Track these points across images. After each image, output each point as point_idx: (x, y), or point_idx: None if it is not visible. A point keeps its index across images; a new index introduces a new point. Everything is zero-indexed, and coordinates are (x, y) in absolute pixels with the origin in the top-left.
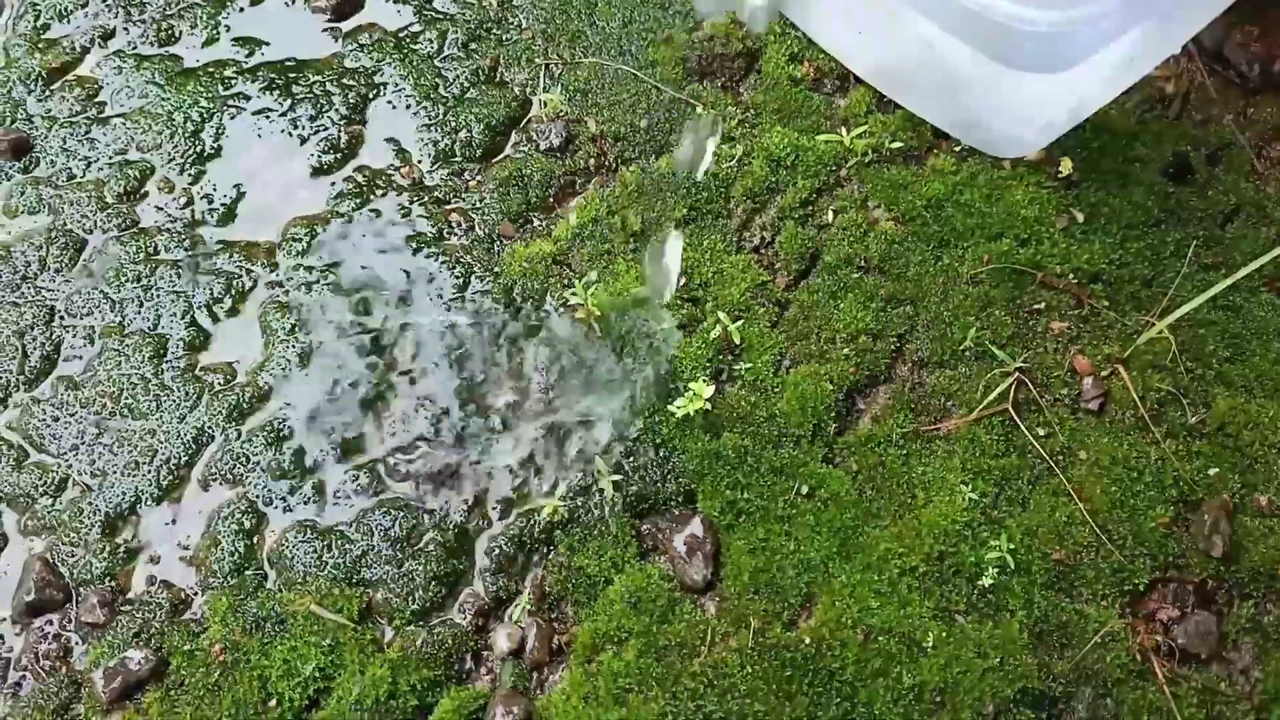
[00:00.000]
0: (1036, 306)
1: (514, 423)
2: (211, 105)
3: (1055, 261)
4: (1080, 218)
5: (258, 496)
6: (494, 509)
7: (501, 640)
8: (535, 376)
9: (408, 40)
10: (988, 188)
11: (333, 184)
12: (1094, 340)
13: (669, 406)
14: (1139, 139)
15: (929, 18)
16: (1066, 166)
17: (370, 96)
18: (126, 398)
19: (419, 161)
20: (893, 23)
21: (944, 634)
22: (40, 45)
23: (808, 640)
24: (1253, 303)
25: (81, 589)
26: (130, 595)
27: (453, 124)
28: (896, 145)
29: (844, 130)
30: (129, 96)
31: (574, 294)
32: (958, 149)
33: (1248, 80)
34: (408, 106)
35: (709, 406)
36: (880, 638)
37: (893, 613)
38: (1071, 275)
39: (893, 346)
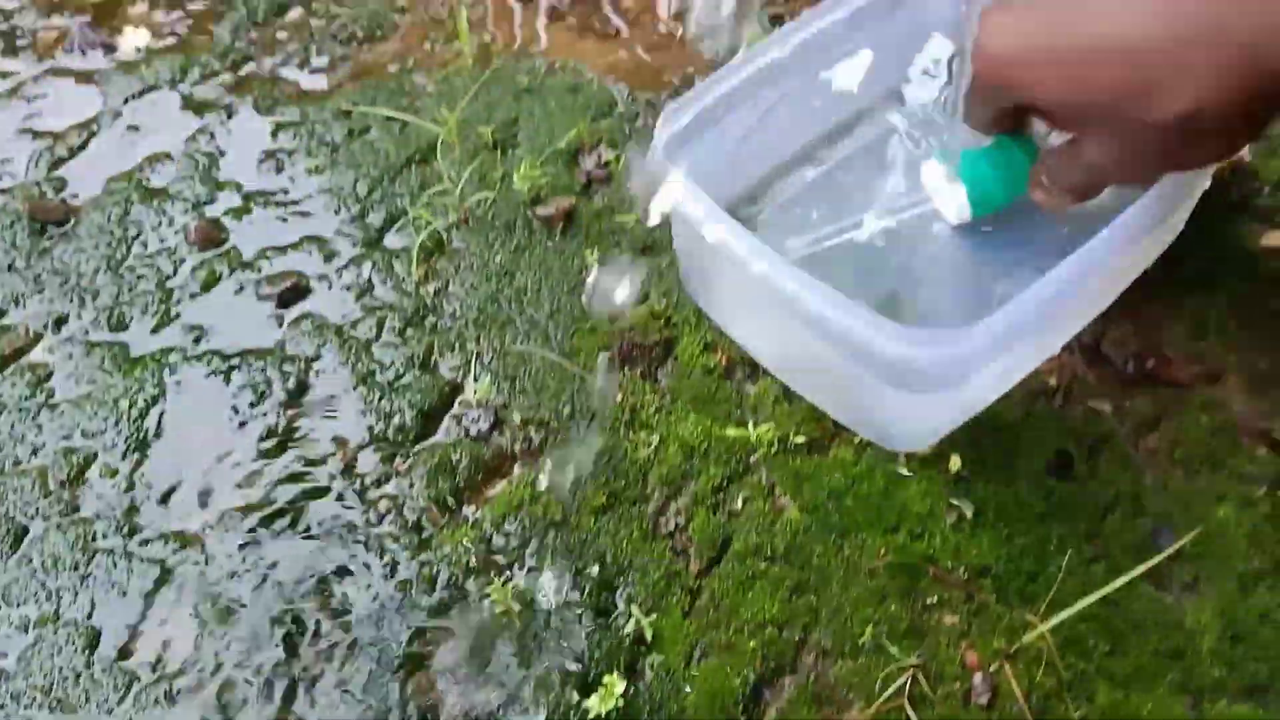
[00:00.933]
0: (930, 600)
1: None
2: (157, 391)
3: (947, 556)
4: (969, 513)
5: None
6: None
7: None
8: (447, 671)
9: (348, 327)
10: (884, 480)
11: (269, 469)
12: (983, 634)
13: (583, 704)
14: (1024, 432)
15: (813, 336)
16: (955, 464)
17: (309, 382)
18: (57, 691)
19: (353, 446)
20: (785, 330)
21: None
22: None
23: None
24: (1130, 596)
25: None
26: None
27: (386, 409)
28: (800, 439)
29: (751, 423)
30: (77, 383)
31: (494, 589)
32: (856, 441)
33: (1123, 374)
34: (345, 392)
35: (622, 703)
36: None
37: None
38: (962, 570)
39: (798, 637)
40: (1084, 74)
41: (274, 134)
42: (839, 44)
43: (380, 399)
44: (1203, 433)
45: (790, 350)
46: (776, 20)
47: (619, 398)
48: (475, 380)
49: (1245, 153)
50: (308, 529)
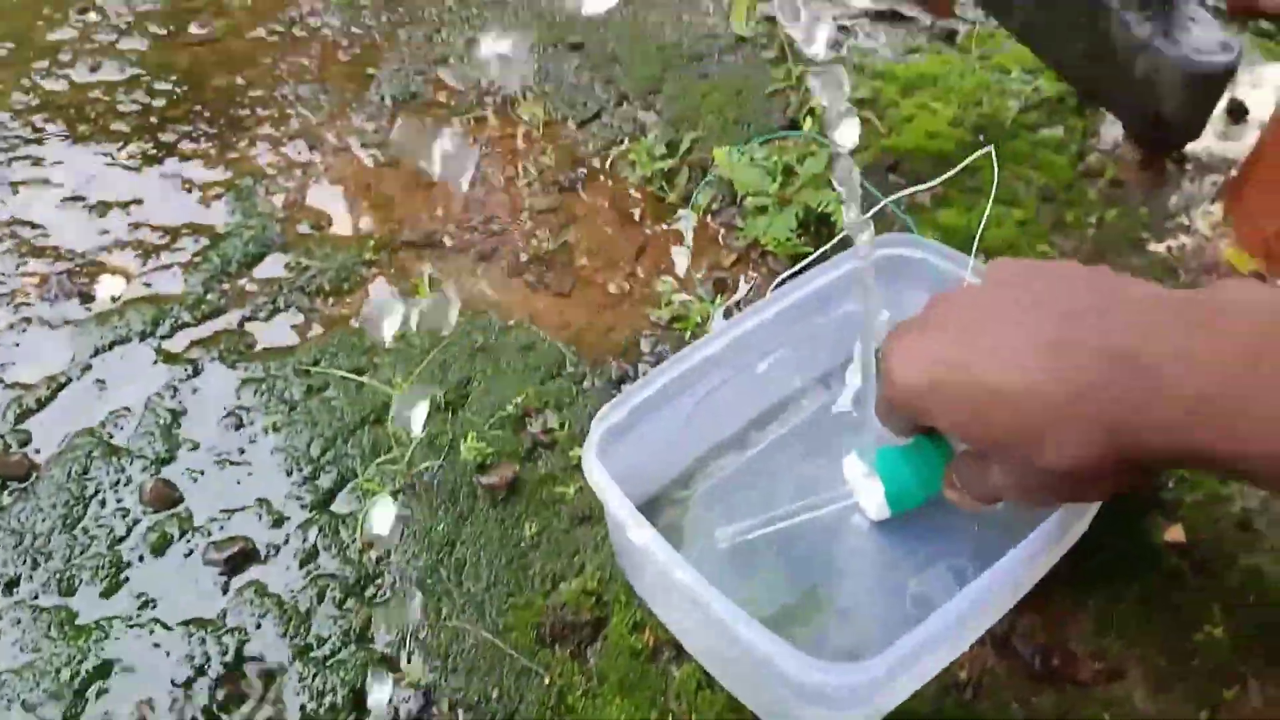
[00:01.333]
0: None
1: None
2: (98, 662)
3: None
4: None
5: None
6: None
7: None
8: None
9: (289, 597)
10: None
11: None
12: None
13: None
14: None
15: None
16: None
17: (246, 655)
18: None
19: None
20: (705, 629)
21: None
22: None
23: None
24: None
25: None
26: None
27: (320, 687)
28: None
29: (671, 717)
30: (22, 650)
31: None
32: None
33: (1032, 669)
34: (281, 667)
35: None
36: None
37: None
38: None
39: None
40: (980, 414)
41: (237, 390)
42: (769, 339)
43: (315, 676)
44: None
45: (711, 646)
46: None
47: (547, 680)
48: (409, 658)
49: None
50: None
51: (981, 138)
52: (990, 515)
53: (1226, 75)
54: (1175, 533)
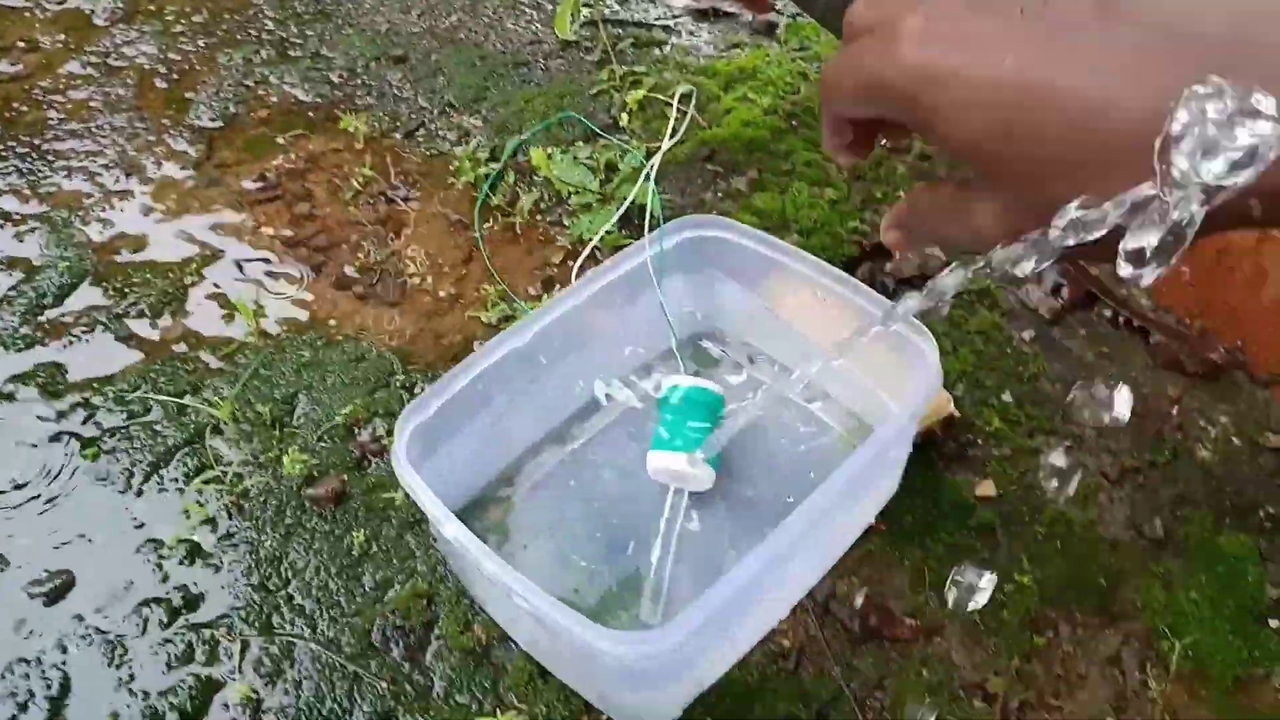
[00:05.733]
0: None
1: None
2: None
3: None
4: None
5: None
6: None
7: None
8: None
9: (112, 624)
10: None
11: None
12: None
13: None
14: (759, 699)
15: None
16: None
17: (72, 687)
18: None
19: None
20: (527, 620)
21: None
22: None
23: None
24: None
25: None
26: None
27: (149, 713)
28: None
29: (499, 711)
30: None
31: None
32: (604, 718)
33: (851, 632)
34: (107, 697)
35: None
36: None
37: None
38: None
39: None
40: (1023, 126)
41: (58, 418)
42: (579, 330)
43: (144, 701)
44: (924, 689)
45: (532, 634)
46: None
47: (380, 685)
48: (238, 675)
49: (954, 409)
50: None
51: (794, 124)
52: (802, 484)
53: None
54: (986, 487)
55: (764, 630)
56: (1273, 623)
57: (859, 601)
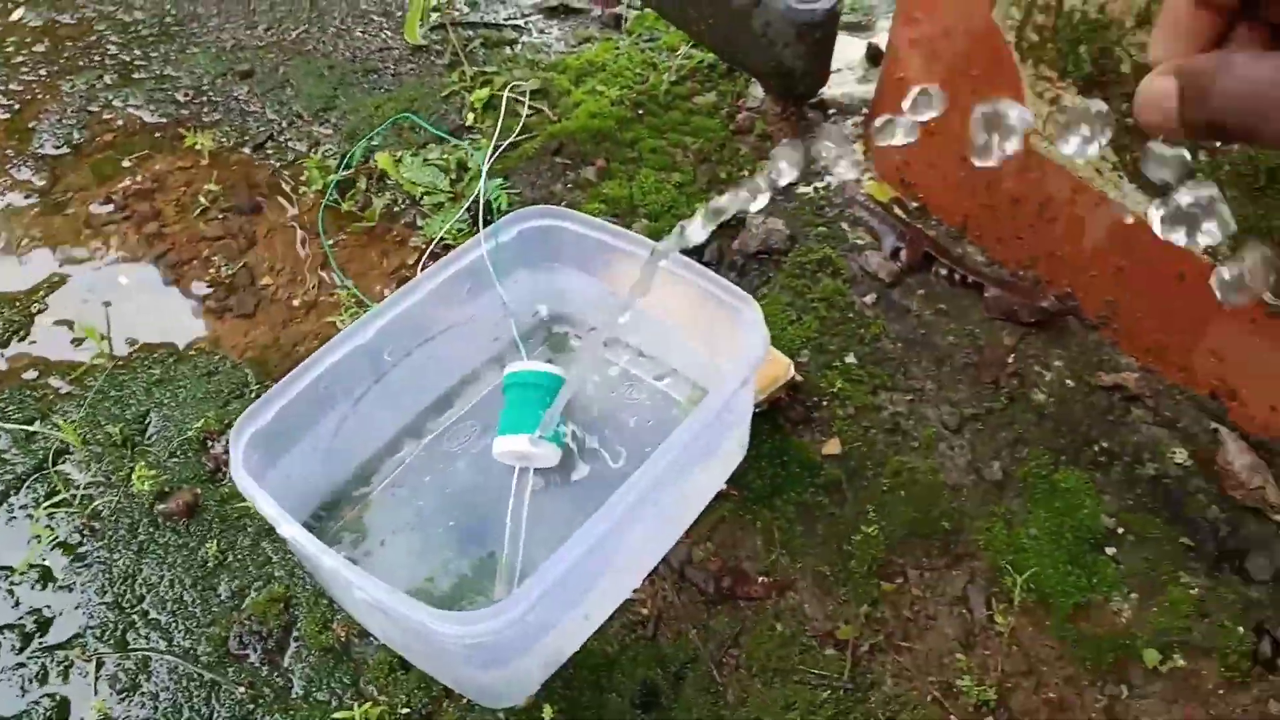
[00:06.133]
0: None
1: None
2: None
3: None
4: None
5: None
6: None
7: None
8: None
9: None
10: None
11: None
12: None
13: None
14: (618, 667)
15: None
16: (548, 713)
17: None
18: None
19: None
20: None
21: None
22: None
23: None
24: None
25: None
26: None
27: None
28: (406, 710)
29: (358, 705)
30: None
31: None
32: (464, 702)
33: (707, 594)
34: None
35: None
36: None
37: None
38: None
39: None
40: None
41: None
42: (424, 325)
43: None
44: (777, 642)
45: (386, 629)
46: None
47: (238, 691)
48: (95, 693)
49: (796, 374)
50: None
51: (640, 113)
52: (647, 456)
53: (829, 20)
54: (832, 445)
55: (619, 599)
56: (1109, 550)
57: (714, 565)
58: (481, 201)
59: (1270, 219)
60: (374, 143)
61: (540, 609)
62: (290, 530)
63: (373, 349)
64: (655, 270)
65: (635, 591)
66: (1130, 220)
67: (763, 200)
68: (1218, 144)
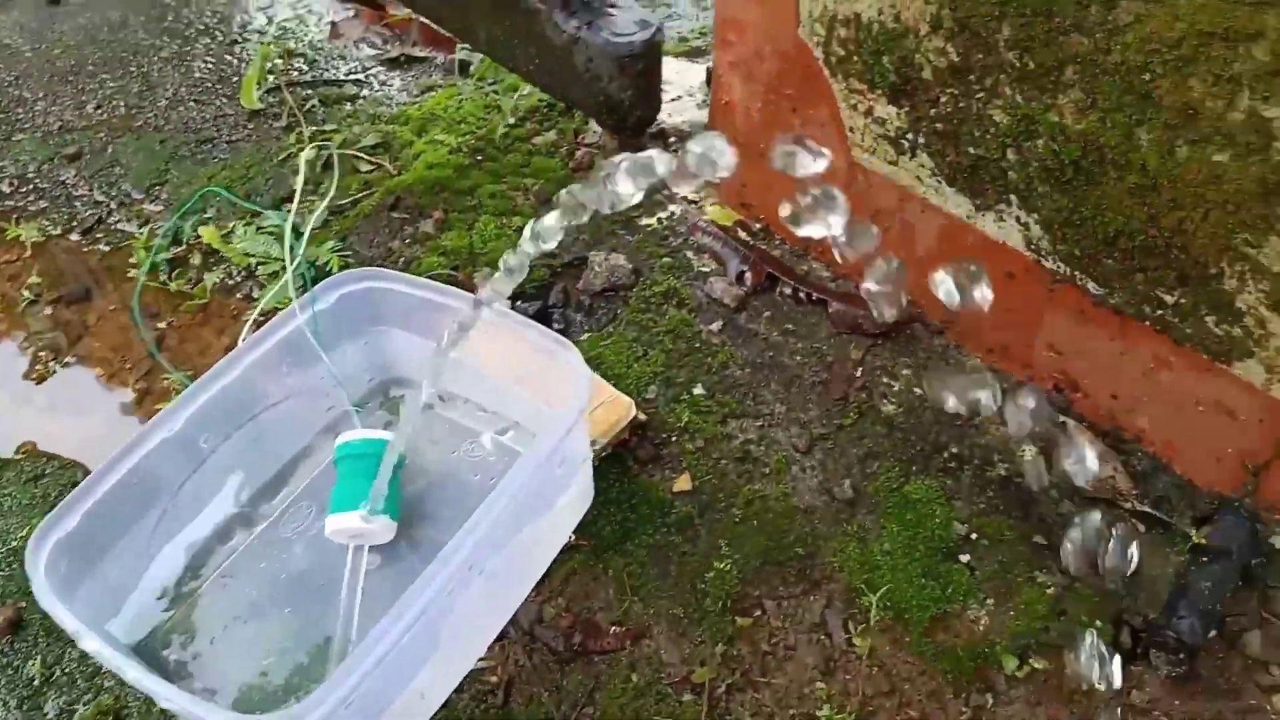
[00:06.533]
0: None
1: None
2: None
3: None
4: None
5: None
6: None
7: None
8: None
9: None
10: None
11: None
12: None
13: None
14: None
15: None
16: None
17: None
18: None
19: None
20: None
21: None
22: None
23: None
24: None
25: None
26: None
27: None
28: None
29: None
30: None
31: None
32: None
33: (559, 653)
34: None
35: None
36: None
37: None
38: None
39: None
40: None
41: None
42: (245, 404)
43: None
44: (632, 695)
45: None
46: None
47: None
48: None
49: (639, 413)
50: None
51: (479, 158)
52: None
53: (649, 50)
54: (683, 482)
55: (461, 671)
56: (963, 557)
57: (564, 622)
58: (304, 267)
59: (1079, 209)
60: (202, 217)
61: (364, 693)
62: (92, 645)
63: (185, 438)
64: (467, 326)
65: (482, 659)
66: (952, 222)
67: (586, 215)
68: None
